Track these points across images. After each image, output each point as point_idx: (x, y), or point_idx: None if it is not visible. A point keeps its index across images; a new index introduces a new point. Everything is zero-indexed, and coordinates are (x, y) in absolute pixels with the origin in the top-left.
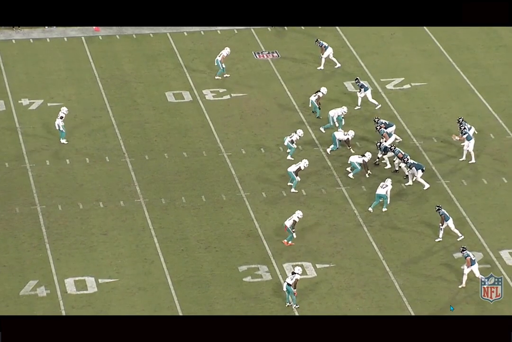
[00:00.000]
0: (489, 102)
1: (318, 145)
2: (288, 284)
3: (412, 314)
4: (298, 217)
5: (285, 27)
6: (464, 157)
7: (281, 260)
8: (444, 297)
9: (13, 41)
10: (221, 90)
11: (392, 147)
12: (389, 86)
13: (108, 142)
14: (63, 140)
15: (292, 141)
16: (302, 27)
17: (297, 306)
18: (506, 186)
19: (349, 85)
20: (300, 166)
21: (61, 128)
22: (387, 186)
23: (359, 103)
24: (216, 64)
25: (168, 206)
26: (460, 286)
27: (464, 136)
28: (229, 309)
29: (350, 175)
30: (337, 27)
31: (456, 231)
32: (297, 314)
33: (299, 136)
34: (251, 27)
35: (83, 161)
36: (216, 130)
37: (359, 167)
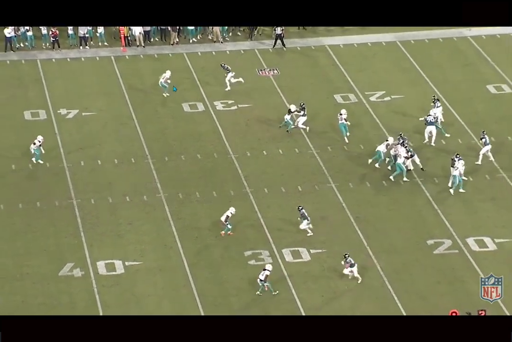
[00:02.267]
0: (457, 112)
1: (312, 148)
2: (260, 279)
3: (391, 290)
4: (231, 213)
5: (284, 48)
6: (479, 162)
7: (280, 246)
8: (418, 277)
9: (53, 60)
10: (229, 102)
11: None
12: (372, 98)
13: (133, 145)
14: (39, 161)
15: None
16: (298, 48)
17: (275, 293)
18: (471, 183)
19: (338, 98)
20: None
21: (33, 151)
22: (457, 168)
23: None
24: (160, 85)
25: (184, 200)
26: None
27: (482, 140)
28: (237, 287)
29: (377, 165)
30: (327, 46)
31: (308, 230)
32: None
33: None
34: (255, 48)
35: (112, 162)
36: (225, 136)
37: (382, 157)
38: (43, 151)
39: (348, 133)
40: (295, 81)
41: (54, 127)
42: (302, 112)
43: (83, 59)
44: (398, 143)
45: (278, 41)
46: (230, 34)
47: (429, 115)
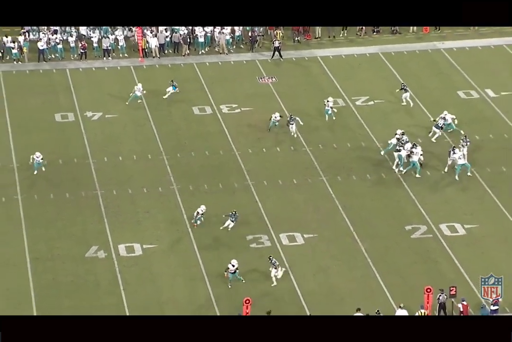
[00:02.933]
0: (431, 114)
1: (305, 146)
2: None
3: (374, 270)
4: (202, 210)
5: (281, 59)
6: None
7: (278, 231)
8: (398, 258)
9: (80, 69)
10: (233, 105)
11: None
12: (357, 103)
13: (150, 144)
14: (35, 172)
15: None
16: (293, 59)
17: (243, 281)
18: (444, 176)
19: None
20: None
21: (35, 163)
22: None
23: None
24: (131, 94)
25: (194, 191)
26: (272, 285)
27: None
28: (241, 267)
29: (382, 152)
30: (318, 58)
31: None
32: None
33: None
34: (255, 58)
35: (131, 158)
36: (230, 135)
37: (389, 148)
38: (38, 163)
39: (334, 118)
40: (291, 88)
41: (81, 128)
42: (291, 122)
43: (106, 68)
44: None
45: (276, 53)
46: (234, 46)
47: (441, 118)
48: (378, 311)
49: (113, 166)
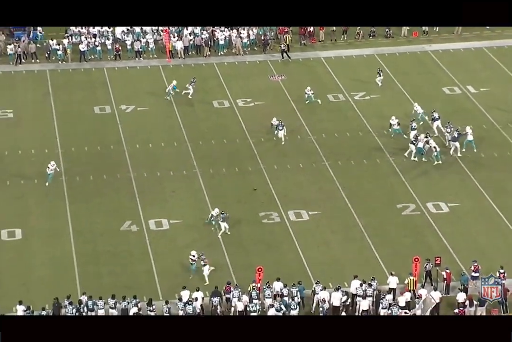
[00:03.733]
0: (422, 107)
1: (310, 135)
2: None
3: (370, 242)
4: (215, 213)
5: (289, 60)
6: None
7: (287, 208)
8: (390, 232)
9: (116, 68)
10: (248, 100)
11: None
12: (356, 97)
13: (175, 133)
14: (47, 183)
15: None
16: (300, 59)
17: (190, 277)
18: (429, 163)
19: (330, 97)
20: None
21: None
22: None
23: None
24: (167, 91)
25: (214, 174)
26: (205, 284)
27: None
28: (253, 240)
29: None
30: (322, 58)
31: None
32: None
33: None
34: (267, 59)
35: (159, 145)
36: (245, 126)
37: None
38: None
39: (314, 99)
40: (298, 85)
41: (117, 119)
42: (280, 128)
43: (138, 67)
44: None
45: (285, 54)
46: (249, 48)
47: (433, 111)
48: (373, 277)
49: (144, 152)
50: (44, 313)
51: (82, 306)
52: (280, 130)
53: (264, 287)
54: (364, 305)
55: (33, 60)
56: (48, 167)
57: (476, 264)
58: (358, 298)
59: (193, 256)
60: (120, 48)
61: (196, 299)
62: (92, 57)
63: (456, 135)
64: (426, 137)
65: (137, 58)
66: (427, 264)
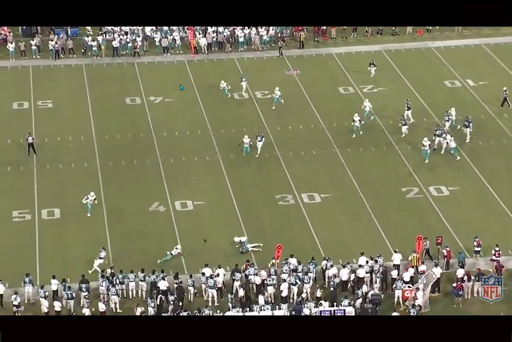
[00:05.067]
0: (423, 100)
1: (322, 124)
2: (171, 254)
3: (377, 223)
4: (243, 239)
5: (304, 55)
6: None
7: (300, 192)
8: (396, 214)
9: (145, 63)
10: (265, 92)
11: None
12: (364, 90)
13: (200, 122)
14: (88, 214)
15: None
16: (314, 55)
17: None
18: (434, 151)
19: (341, 89)
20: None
21: (87, 204)
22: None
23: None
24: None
25: (234, 160)
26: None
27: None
28: (270, 221)
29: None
30: (334, 54)
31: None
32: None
33: None
34: (283, 55)
35: (185, 133)
36: (263, 116)
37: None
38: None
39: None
40: (311, 78)
41: (146, 109)
42: (260, 139)
43: (165, 62)
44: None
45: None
46: (267, 45)
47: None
48: (379, 254)
49: (170, 139)
50: (77, 286)
51: (114, 278)
52: (259, 142)
53: (283, 263)
54: (361, 273)
55: (70, 55)
56: (87, 198)
57: (477, 239)
58: (365, 274)
59: (177, 248)
60: (136, 46)
61: (218, 274)
62: (124, 52)
63: (466, 124)
64: (440, 134)
65: (164, 54)
66: (426, 243)
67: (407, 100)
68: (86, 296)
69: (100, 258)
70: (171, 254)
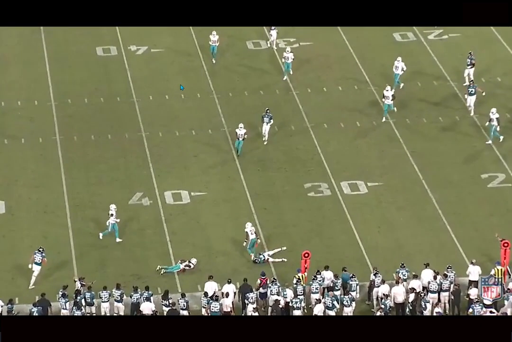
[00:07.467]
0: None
1: (370, 85)
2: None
3: (446, 222)
4: (249, 230)
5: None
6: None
7: (339, 179)
8: (472, 209)
9: None
10: (291, 40)
11: None
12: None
13: (199, 81)
14: (118, 239)
15: None
16: None
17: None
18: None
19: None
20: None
21: (110, 225)
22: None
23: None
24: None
25: (246, 133)
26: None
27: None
28: (296, 219)
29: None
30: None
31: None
32: None
33: None
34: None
35: (178, 96)
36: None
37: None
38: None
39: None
40: None
41: (125, 63)
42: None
43: None
44: None
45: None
46: None
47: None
48: (449, 266)
49: (158, 105)
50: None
51: (79, 298)
52: (267, 124)
53: (313, 277)
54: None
55: None
56: (111, 214)
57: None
58: (430, 295)
59: (190, 262)
60: None
61: (227, 294)
62: None
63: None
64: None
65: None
66: None
67: (469, 54)
68: None
69: (36, 264)
70: (180, 266)
